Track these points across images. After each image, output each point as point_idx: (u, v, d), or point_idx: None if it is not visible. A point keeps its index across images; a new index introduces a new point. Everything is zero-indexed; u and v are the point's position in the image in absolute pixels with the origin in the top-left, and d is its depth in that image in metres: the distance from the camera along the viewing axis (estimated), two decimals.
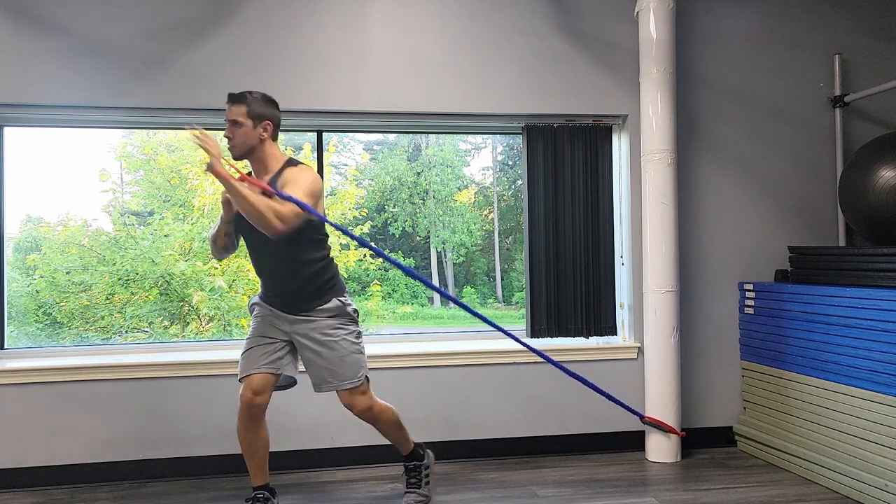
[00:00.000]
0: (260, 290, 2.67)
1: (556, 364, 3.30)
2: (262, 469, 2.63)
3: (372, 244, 2.75)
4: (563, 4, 3.54)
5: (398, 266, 2.75)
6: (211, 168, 2.30)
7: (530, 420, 3.48)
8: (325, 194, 3.58)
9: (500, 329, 2.92)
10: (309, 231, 2.49)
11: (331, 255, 2.63)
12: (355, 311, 2.62)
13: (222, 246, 2.60)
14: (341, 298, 2.57)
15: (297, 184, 2.42)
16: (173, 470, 3.20)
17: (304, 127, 3.54)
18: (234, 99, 2.47)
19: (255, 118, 2.47)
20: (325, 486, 3.06)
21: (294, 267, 2.51)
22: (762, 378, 3.44)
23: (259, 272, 2.63)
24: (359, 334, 2.60)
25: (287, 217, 2.33)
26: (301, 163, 2.56)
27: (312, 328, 2.53)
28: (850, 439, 2.87)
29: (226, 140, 2.49)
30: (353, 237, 2.69)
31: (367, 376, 2.61)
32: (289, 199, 2.35)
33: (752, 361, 3.53)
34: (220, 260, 2.68)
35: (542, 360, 3.01)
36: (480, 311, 3.24)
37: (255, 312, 2.66)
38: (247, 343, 2.60)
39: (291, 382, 2.70)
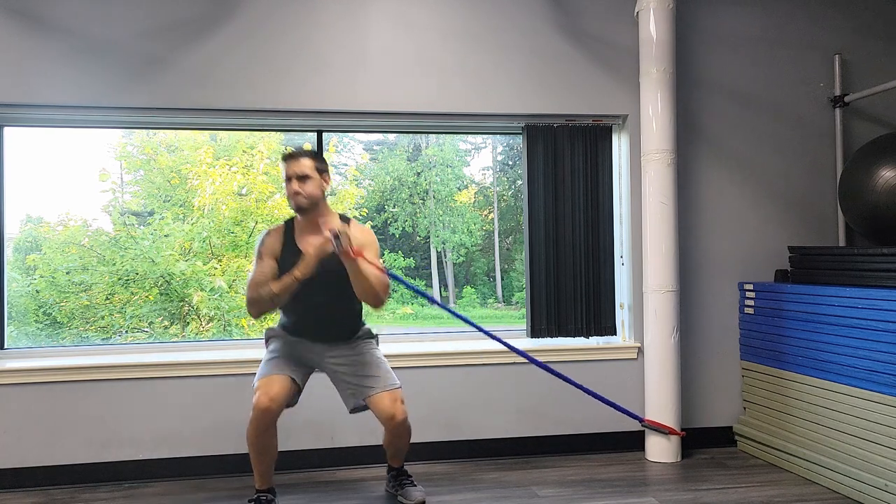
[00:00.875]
0: (287, 325, 2.74)
1: (556, 373, 3.31)
2: (270, 472, 2.67)
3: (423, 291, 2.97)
4: (563, 4, 3.54)
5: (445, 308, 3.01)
6: (345, 252, 2.45)
7: (530, 420, 3.48)
8: (327, 195, 3.57)
9: (515, 349, 2.98)
10: None
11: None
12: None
13: (279, 304, 2.59)
14: (367, 326, 2.85)
15: (374, 247, 2.68)
16: (173, 470, 3.20)
17: (304, 127, 3.54)
18: (303, 154, 2.62)
19: (320, 171, 2.64)
20: (325, 486, 3.06)
21: (344, 312, 2.73)
22: (762, 378, 3.44)
23: (303, 314, 2.69)
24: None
25: (388, 289, 2.62)
26: (349, 217, 2.79)
27: (348, 348, 2.73)
28: (850, 439, 2.87)
29: (294, 195, 2.60)
30: (410, 287, 2.92)
31: None
32: (393, 277, 2.70)
33: (752, 361, 3.53)
34: (257, 317, 2.66)
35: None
36: (481, 311, 3.33)
37: (276, 341, 2.73)
38: (269, 354, 2.68)
39: (293, 402, 2.73)
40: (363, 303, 2.68)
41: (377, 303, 2.60)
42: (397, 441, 2.75)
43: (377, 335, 2.90)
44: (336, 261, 2.49)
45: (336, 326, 2.74)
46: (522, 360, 3.44)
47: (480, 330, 2.97)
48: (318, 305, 2.65)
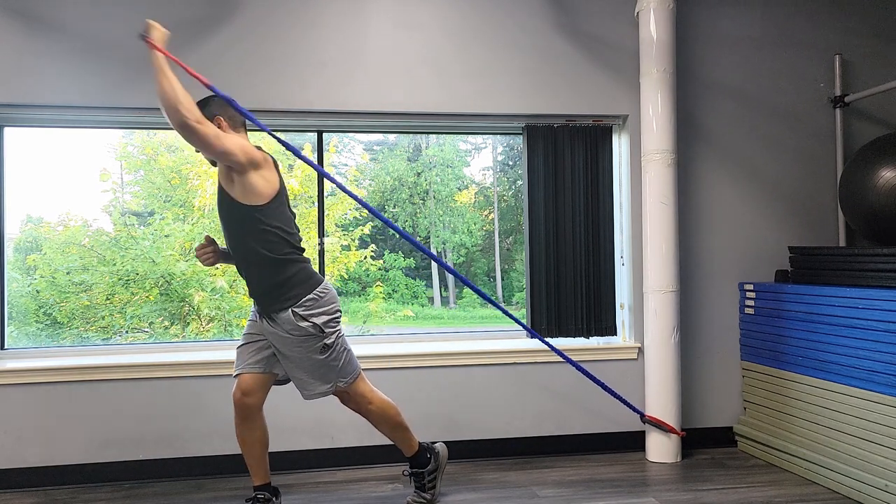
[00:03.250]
0: None
1: (562, 355, 3.31)
2: (259, 467, 2.62)
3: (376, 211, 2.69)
4: (564, 4, 3.54)
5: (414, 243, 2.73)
6: (146, 37, 2.22)
7: (530, 420, 3.48)
8: (327, 195, 3.57)
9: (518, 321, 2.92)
10: (254, 222, 2.39)
11: (295, 260, 2.47)
12: (324, 324, 2.45)
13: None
14: (298, 310, 2.41)
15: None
16: (173, 470, 3.20)
17: (304, 127, 3.54)
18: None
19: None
20: (326, 486, 3.06)
21: (250, 259, 2.44)
22: (762, 378, 3.44)
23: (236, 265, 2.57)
24: (325, 347, 2.46)
25: (194, 114, 2.20)
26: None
27: (277, 339, 2.47)
28: (851, 439, 2.87)
29: None
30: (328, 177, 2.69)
31: (354, 376, 2.59)
32: (221, 95, 2.42)
33: (753, 361, 3.53)
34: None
35: (551, 355, 3.01)
36: (481, 311, 3.26)
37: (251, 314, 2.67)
38: (241, 338, 2.62)
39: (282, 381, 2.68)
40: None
41: (172, 116, 2.19)
42: (372, 424, 2.71)
43: (329, 321, 2.47)
44: (221, 197, 2.36)
45: (253, 284, 2.47)
46: (522, 360, 3.46)
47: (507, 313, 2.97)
48: (237, 258, 2.48)
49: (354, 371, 2.60)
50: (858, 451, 2.82)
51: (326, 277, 3.55)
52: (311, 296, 2.46)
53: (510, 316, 3.23)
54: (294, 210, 2.61)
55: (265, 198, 2.41)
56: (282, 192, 2.49)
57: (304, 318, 2.43)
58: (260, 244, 2.41)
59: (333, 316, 2.51)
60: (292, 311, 2.42)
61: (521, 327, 3.62)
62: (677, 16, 3.50)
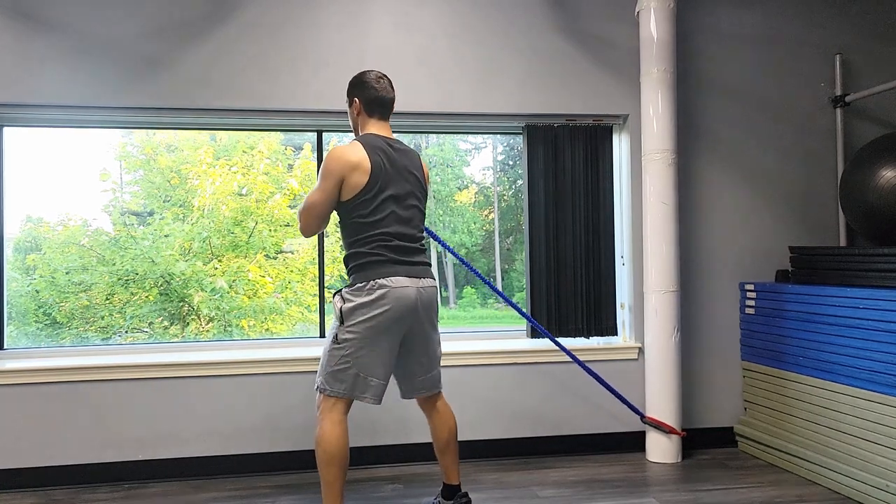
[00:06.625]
0: None
1: (568, 353, 3.31)
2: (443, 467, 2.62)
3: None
4: (564, 4, 3.54)
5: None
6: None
7: (530, 420, 3.47)
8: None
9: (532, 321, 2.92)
10: (339, 212, 2.47)
11: (357, 242, 2.40)
12: (349, 309, 2.34)
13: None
14: (342, 293, 2.38)
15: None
16: (173, 470, 3.20)
17: (304, 127, 3.54)
18: None
19: (348, 98, 2.60)
20: None
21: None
22: (763, 378, 3.44)
23: None
24: (335, 337, 2.34)
25: (300, 210, 2.46)
26: (354, 140, 2.46)
27: None
28: (851, 440, 2.87)
29: None
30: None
31: (330, 393, 2.34)
32: None
33: (753, 362, 3.52)
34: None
35: (551, 355, 3.00)
36: (481, 311, 3.25)
37: None
38: None
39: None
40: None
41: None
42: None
43: (351, 308, 2.33)
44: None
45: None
46: (522, 360, 3.45)
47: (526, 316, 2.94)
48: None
49: (334, 389, 2.34)
50: (859, 451, 2.82)
51: (326, 278, 3.55)
52: (360, 283, 2.37)
53: (523, 314, 3.24)
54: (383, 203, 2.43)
55: (346, 196, 2.41)
56: (366, 189, 2.38)
57: (344, 302, 2.37)
58: (343, 231, 2.50)
59: (364, 318, 2.34)
60: (340, 294, 2.40)
61: (523, 326, 3.62)
62: (678, 15, 3.50)
